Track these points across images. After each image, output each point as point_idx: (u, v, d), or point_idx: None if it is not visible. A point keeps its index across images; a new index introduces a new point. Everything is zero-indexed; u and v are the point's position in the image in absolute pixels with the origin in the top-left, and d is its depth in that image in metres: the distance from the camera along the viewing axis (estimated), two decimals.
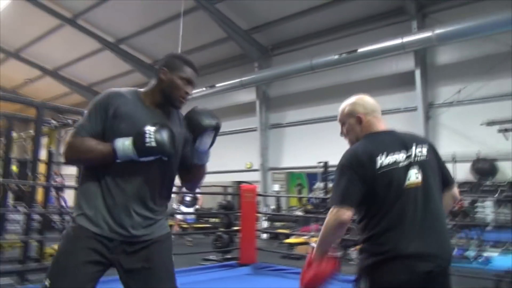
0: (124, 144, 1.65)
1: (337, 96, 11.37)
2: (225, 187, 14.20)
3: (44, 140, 6.29)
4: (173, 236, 7.94)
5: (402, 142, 1.77)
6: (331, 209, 1.70)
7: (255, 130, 13.30)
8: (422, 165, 1.73)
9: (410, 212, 1.66)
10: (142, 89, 1.87)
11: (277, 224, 12.45)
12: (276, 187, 13.72)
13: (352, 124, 1.89)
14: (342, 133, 1.98)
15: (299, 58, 11.37)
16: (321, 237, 1.75)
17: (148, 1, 11.92)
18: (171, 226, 10.49)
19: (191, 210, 10.27)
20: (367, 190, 1.67)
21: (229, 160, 13.80)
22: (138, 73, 15.95)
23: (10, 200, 8.59)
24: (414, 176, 1.70)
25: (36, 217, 7.70)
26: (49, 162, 6.40)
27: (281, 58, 12.71)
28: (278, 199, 14.21)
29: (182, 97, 1.83)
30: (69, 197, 6.47)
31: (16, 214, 7.57)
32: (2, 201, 7.40)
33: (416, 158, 1.73)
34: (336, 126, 2.04)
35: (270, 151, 13.13)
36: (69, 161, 1.73)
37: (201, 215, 12.78)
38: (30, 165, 5.76)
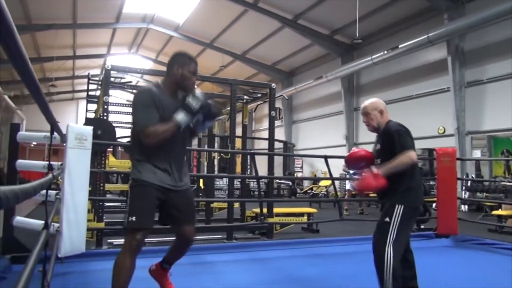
0: (180, 115, 2.33)
1: None
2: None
3: (239, 118, 6.95)
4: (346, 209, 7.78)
5: None
6: (406, 152, 2.54)
7: (447, 91, 11.91)
8: None
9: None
10: (159, 82, 2.47)
11: (479, 195, 11.08)
12: (477, 154, 12.07)
13: (376, 114, 2.77)
14: (364, 121, 2.84)
15: (497, 0, 9.57)
16: (396, 165, 2.53)
17: None
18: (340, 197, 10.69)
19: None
20: None
21: (418, 126, 12.76)
22: (317, 45, 16.13)
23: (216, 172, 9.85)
24: None
25: (237, 185, 8.70)
26: (244, 135, 7.08)
27: (475, 3, 10.95)
28: (479, 167, 12.52)
29: (192, 84, 2.46)
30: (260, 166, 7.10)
31: (220, 181, 8.69)
32: (211, 171, 8.52)
33: None
34: None
35: (467, 113, 11.57)
36: (153, 144, 2.31)
37: None
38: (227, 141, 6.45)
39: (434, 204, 7.77)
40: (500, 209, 7.51)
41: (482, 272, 4.03)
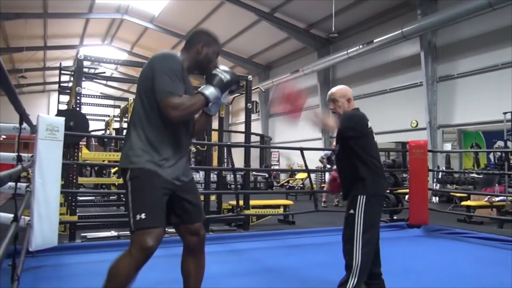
0: (208, 89, 2.02)
1: None
2: (386, 150, 13.56)
3: None
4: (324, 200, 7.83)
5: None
6: (337, 122, 2.60)
7: (420, 85, 12.19)
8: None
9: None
10: (179, 53, 2.11)
11: (449, 187, 11.45)
12: (448, 147, 12.44)
13: (343, 102, 2.70)
14: (331, 108, 2.77)
15: None
16: (322, 121, 2.69)
17: None
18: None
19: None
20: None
21: (392, 119, 13.06)
22: (293, 39, 16.19)
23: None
24: None
25: (213, 178, 8.68)
26: (220, 128, 7.05)
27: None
28: (449, 160, 12.90)
29: (213, 68, 2.13)
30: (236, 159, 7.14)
31: (196, 175, 8.63)
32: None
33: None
34: None
35: (439, 107, 11.87)
36: (178, 118, 1.93)
37: None
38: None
39: (406, 196, 7.97)
40: (469, 200, 7.77)
41: (451, 260, 4.17)
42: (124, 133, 2.25)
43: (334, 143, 2.80)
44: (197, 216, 2.15)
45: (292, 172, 15.52)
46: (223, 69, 2.11)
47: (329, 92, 2.79)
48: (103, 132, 10.94)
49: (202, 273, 2.21)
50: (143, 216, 1.86)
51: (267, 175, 15.98)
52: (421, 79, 12.04)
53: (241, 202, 5.64)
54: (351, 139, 2.57)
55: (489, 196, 7.19)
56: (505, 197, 7.10)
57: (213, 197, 6.66)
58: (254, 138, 11.75)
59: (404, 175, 10.15)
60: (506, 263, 4.03)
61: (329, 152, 10.08)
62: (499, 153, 11.17)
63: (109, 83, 25.90)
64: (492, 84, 10.51)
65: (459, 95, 11.45)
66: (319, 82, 16.46)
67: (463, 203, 7.71)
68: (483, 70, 10.76)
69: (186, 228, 2.15)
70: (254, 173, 14.94)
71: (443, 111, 11.83)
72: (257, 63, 20.38)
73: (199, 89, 2.02)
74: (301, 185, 14.07)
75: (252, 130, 6.89)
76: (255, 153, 14.86)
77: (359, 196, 2.50)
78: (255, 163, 14.37)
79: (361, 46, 12.92)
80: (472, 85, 11.07)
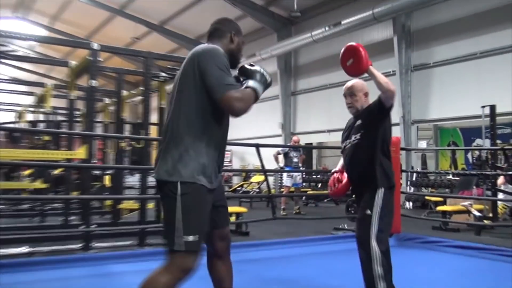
0: (257, 84, 2.16)
1: (509, 19, 10.16)
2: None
3: (155, 101, 6.80)
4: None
5: None
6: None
7: (393, 75, 12.59)
8: None
9: None
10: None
11: (424, 190, 11.98)
12: (423, 145, 12.96)
13: (361, 96, 3.04)
14: (348, 103, 3.06)
15: None
16: (381, 77, 2.82)
17: None
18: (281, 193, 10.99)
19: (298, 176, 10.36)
20: None
21: None
22: (249, 18, 16.20)
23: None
24: None
25: (152, 183, 8.52)
26: (161, 122, 6.92)
27: None
28: (425, 161, 13.47)
29: (241, 57, 2.39)
30: None
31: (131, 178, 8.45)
32: (120, 163, 8.27)
33: None
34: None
35: (413, 99, 12.33)
36: (243, 112, 2.10)
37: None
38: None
39: None
40: (445, 205, 8.13)
41: (425, 272, 4.33)
42: (161, 136, 2.33)
43: (342, 135, 3.13)
44: (227, 219, 2.44)
45: (246, 174, 15.56)
46: (260, 67, 2.24)
47: (347, 85, 3.09)
48: (13, 124, 10.48)
49: (232, 276, 2.43)
50: (197, 238, 2.06)
51: None
52: (394, 67, 12.44)
53: None
54: (382, 124, 2.88)
55: (469, 202, 7.55)
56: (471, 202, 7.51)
57: (151, 205, 6.54)
58: None
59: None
60: (484, 273, 4.25)
61: (286, 148, 10.21)
62: (477, 152, 11.79)
63: (23, 65, 24.79)
64: (470, 75, 11.04)
65: (435, 86, 11.94)
66: (279, 68, 16.61)
67: (439, 208, 8.05)
68: (461, 59, 11.28)
69: (216, 233, 2.35)
70: None
71: (418, 105, 12.29)
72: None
73: (248, 84, 2.16)
74: (257, 190, 14.13)
75: None
76: None
77: (377, 190, 2.78)
78: None
79: (327, 28, 13.15)
80: (449, 76, 11.58)
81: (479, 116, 9.04)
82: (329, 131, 14.49)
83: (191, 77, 2.10)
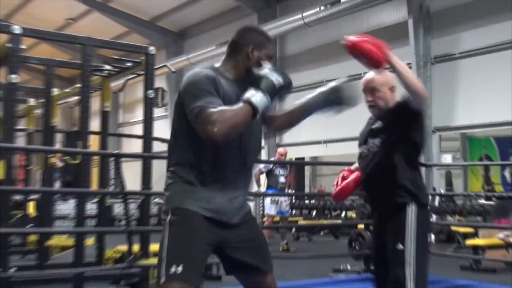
0: (254, 95, 2.33)
1: None
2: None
3: (96, 102, 6.74)
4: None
5: None
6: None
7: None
8: None
9: None
10: (218, 65, 2.61)
11: (450, 219, 12.03)
12: (447, 159, 13.08)
13: (385, 91, 3.07)
14: (369, 100, 3.12)
15: None
16: (406, 71, 2.87)
17: None
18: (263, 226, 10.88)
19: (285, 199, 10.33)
20: None
21: (365, 119, 13.46)
22: None
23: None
24: None
25: (91, 210, 8.42)
26: (104, 129, 6.86)
27: None
28: (450, 180, 13.57)
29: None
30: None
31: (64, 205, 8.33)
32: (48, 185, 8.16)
33: None
34: None
35: (435, 100, 12.40)
36: (221, 136, 2.29)
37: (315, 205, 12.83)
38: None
39: None
40: (476, 238, 8.18)
41: None
42: None
43: (359, 138, 3.23)
44: (261, 267, 2.62)
45: None
46: (272, 68, 2.46)
47: (366, 79, 3.15)
48: None
49: None
50: (180, 269, 2.32)
51: None
52: (409, 59, 12.53)
53: (135, 248, 5.54)
54: (410, 128, 2.96)
55: (507, 234, 7.59)
56: None
57: (90, 240, 6.47)
58: (158, 146, 11.56)
59: None
60: None
61: (270, 165, 10.09)
62: None
63: None
64: (508, 69, 11.04)
65: (463, 83, 12.06)
66: None
67: (469, 242, 8.09)
68: (496, 48, 11.38)
69: (249, 281, 2.66)
70: (157, 200, 14.68)
71: (440, 107, 12.37)
72: (165, 29, 20.28)
73: (243, 97, 2.35)
74: None
75: (157, 133, 6.77)
76: (160, 168, 14.61)
77: (408, 208, 2.82)
78: (159, 185, 14.11)
79: (322, 8, 13.24)
80: (480, 70, 11.67)
81: None
82: (326, 142, 14.54)
83: (177, 106, 2.48)
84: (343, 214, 13.22)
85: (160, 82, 18.33)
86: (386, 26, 13.49)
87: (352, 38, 2.85)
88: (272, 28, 15.08)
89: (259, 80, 2.39)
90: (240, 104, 2.33)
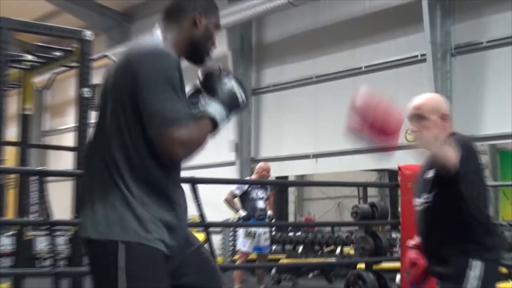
0: (216, 109, 2.42)
1: None
2: (359, 185, 14.02)
3: (13, 103, 6.72)
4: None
5: None
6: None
7: (421, 61, 12.82)
8: None
9: None
10: (162, 39, 2.52)
11: None
12: None
13: (435, 120, 3.21)
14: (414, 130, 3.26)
15: None
16: (439, 149, 3.00)
17: None
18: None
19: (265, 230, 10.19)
20: None
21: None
22: None
23: None
24: None
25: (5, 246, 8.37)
26: (25, 138, 6.84)
27: None
28: None
29: (210, 50, 2.67)
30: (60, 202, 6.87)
31: None
32: None
33: None
34: None
35: (456, 101, 12.52)
36: (183, 158, 2.40)
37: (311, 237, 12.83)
38: None
39: (398, 276, 8.23)
40: (510, 280, 8.26)
41: None
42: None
43: (414, 191, 3.33)
44: None
45: None
46: (236, 79, 2.54)
47: (412, 105, 3.30)
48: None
49: None
50: None
51: None
52: (423, 48, 12.67)
53: None
54: (466, 181, 3.01)
55: None
56: None
57: (4, 286, 6.44)
58: None
59: (393, 235, 10.55)
60: None
61: (245, 186, 9.86)
62: None
63: None
64: None
65: (492, 80, 12.20)
66: (230, 49, 16.67)
67: (501, 286, 8.17)
68: None
69: None
70: None
71: (463, 111, 12.43)
72: (106, 7, 20.33)
73: (206, 110, 2.42)
74: None
75: None
76: None
77: (471, 263, 2.96)
78: None
79: None
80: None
81: None
82: (315, 156, 14.56)
83: (125, 95, 2.33)
84: (338, 250, 13.20)
85: (98, 77, 18.27)
86: (394, 6, 13.51)
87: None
88: (246, 8, 15.12)
89: (221, 89, 2.47)
90: (206, 121, 2.39)
